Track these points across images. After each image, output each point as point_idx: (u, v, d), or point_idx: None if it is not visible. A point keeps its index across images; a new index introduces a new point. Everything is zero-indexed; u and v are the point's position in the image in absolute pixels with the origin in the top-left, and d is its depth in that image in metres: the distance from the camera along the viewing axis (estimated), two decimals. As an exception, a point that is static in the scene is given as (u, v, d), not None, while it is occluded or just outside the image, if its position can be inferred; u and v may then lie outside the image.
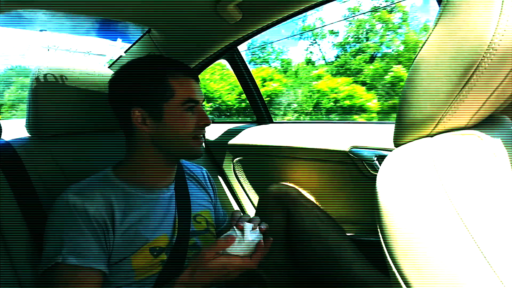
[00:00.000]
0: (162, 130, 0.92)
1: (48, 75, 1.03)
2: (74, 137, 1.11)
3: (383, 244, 0.48)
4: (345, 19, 16.63)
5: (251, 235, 0.83)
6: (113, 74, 0.98)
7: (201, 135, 0.97)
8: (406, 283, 0.44)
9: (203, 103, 0.99)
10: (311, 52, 17.30)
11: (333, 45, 16.93)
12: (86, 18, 1.18)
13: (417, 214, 0.43)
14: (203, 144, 0.99)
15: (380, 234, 0.49)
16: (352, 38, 15.88)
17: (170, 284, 0.83)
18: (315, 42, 17.27)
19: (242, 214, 0.89)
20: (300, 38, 17.71)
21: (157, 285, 0.87)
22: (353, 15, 16.14)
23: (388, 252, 0.46)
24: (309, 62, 17.07)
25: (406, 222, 0.44)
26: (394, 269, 0.45)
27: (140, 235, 0.87)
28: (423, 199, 0.43)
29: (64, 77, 1.06)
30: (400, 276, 0.44)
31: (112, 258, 0.84)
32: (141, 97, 0.91)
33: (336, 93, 12.77)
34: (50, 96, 1.03)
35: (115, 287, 0.85)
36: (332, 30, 16.56)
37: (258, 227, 0.86)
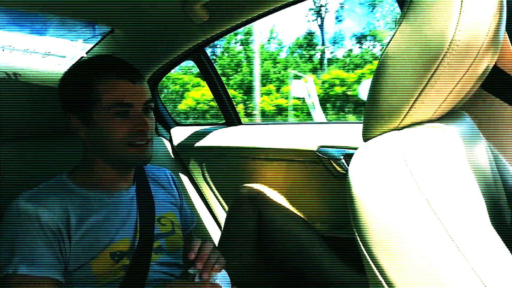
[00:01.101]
0: (94, 137, 0.89)
1: (8, 74, 0.98)
2: (33, 140, 1.06)
3: (357, 238, 0.49)
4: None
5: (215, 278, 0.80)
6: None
7: (140, 142, 0.89)
8: (382, 273, 0.45)
9: (147, 106, 0.91)
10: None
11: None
12: (45, 17, 1.13)
13: (390, 205, 0.44)
14: (145, 151, 0.91)
15: (354, 227, 0.49)
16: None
17: None
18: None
19: (200, 243, 0.83)
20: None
21: None
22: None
23: (363, 246, 0.47)
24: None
25: (380, 213, 0.45)
26: (370, 261, 0.46)
27: (99, 239, 0.84)
28: (395, 190, 0.44)
29: (17, 75, 1.01)
30: (376, 268, 0.45)
31: (70, 265, 0.81)
32: (71, 102, 0.89)
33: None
34: (4, 96, 0.99)
35: None
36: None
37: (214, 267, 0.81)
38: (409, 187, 0.43)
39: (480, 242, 0.41)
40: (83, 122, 0.88)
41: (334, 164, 1.29)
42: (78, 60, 0.94)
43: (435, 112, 0.52)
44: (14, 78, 1.00)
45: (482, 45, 0.44)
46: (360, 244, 0.48)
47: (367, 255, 0.47)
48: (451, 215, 0.41)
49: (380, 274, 0.45)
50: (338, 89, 12.82)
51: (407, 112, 0.50)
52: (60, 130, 0.88)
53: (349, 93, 12.70)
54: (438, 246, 0.40)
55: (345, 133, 1.32)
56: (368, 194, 0.46)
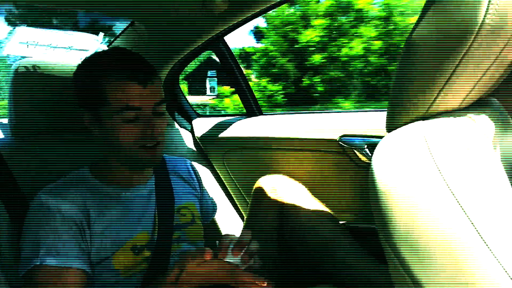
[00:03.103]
0: (105, 137, 0.87)
1: (28, 68, 1.00)
2: (58, 135, 1.08)
3: (380, 228, 0.48)
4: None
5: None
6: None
7: (151, 144, 0.87)
8: (405, 265, 0.44)
9: (157, 108, 0.87)
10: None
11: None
12: (67, 12, 1.15)
13: (413, 197, 0.43)
14: (155, 153, 0.89)
15: (376, 219, 0.48)
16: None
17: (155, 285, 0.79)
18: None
19: (231, 238, 0.81)
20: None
21: (145, 282, 0.86)
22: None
23: (385, 238, 0.46)
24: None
25: (402, 205, 0.44)
26: (392, 254, 0.45)
27: (118, 234, 0.86)
28: (419, 181, 0.43)
29: (37, 68, 1.03)
30: (399, 260, 0.44)
31: (93, 259, 0.83)
32: (84, 99, 0.88)
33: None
34: (30, 91, 1.01)
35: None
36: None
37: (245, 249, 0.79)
38: (434, 179, 0.42)
39: (507, 235, 0.39)
40: (95, 119, 0.87)
41: (358, 154, 1.27)
42: (93, 52, 0.93)
43: (463, 101, 0.49)
44: (33, 71, 1.02)
45: None
46: (383, 236, 0.47)
47: (389, 247, 0.46)
48: (478, 207, 0.40)
49: (402, 266, 0.44)
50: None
51: (433, 101, 0.48)
52: (80, 124, 0.89)
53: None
54: (463, 239, 0.39)
55: (368, 121, 1.29)
56: (391, 185, 0.45)
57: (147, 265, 0.87)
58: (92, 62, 0.89)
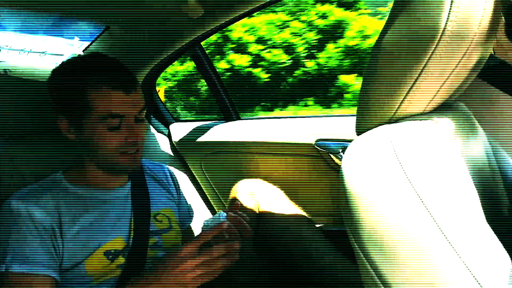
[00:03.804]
0: (85, 143, 0.87)
1: (0, 72, 0.98)
2: (28, 139, 1.06)
3: (349, 229, 0.49)
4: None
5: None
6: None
7: (132, 151, 0.88)
8: (374, 266, 0.45)
9: (139, 115, 0.88)
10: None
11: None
12: (41, 16, 1.13)
13: (380, 199, 0.44)
14: (135, 159, 0.90)
15: (345, 221, 0.50)
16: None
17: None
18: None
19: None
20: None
21: None
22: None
23: (355, 239, 0.47)
24: None
25: (370, 207, 0.45)
26: (361, 254, 0.47)
27: (92, 238, 0.84)
28: (385, 184, 0.44)
29: (7, 71, 1.01)
30: (368, 261, 0.46)
31: (64, 264, 0.82)
32: (62, 106, 0.87)
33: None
34: (2, 95, 0.99)
35: None
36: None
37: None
38: (400, 182, 0.43)
39: (471, 235, 0.41)
40: (73, 126, 0.87)
41: (333, 157, 1.29)
42: (70, 57, 0.91)
43: (428, 104, 0.51)
44: (4, 74, 1.00)
45: (476, 34, 0.44)
46: (352, 236, 0.48)
47: (358, 249, 0.47)
48: (442, 208, 0.41)
49: (371, 267, 0.45)
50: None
51: (399, 104, 0.50)
52: (55, 128, 0.88)
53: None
54: (428, 240, 0.40)
55: (343, 126, 1.32)
56: (359, 188, 0.46)
57: (121, 272, 0.86)
58: (72, 69, 0.88)
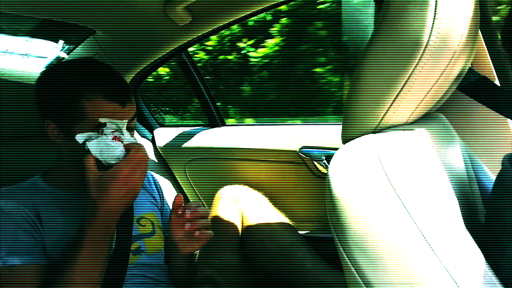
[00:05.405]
0: (73, 149, 0.84)
1: None
2: (9, 142, 1.05)
3: (335, 236, 0.50)
4: None
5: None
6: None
7: None
8: (360, 272, 0.46)
9: (130, 124, 0.88)
10: None
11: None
12: (25, 18, 1.11)
13: (366, 207, 0.45)
14: None
15: (332, 227, 0.50)
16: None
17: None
18: None
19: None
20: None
21: None
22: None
23: (341, 245, 0.48)
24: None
25: (356, 214, 0.46)
26: (347, 260, 0.47)
27: (70, 240, 0.82)
28: (371, 191, 0.46)
29: None
30: (354, 266, 0.47)
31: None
32: (53, 111, 0.85)
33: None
34: None
35: None
36: None
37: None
38: (385, 190, 0.45)
39: (452, 241, 0.42)
40: (62, 132, 0.85)
41: (317, 165, 1.31)
42: (60, 60, 0.89)
43: (411, 114, 0.53)
44: None
45: (458, 46, 0.46)
46: (338, 243, 0.49)
47: (344, 254, 0.48)
48: (425, 215, 0.43)
49: (357, 272, 0.46)
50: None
51: (384, 114, 0.51)
52: (38, 132, 0.86)
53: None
54: (412, 246, 0.42)
55: (327, 134, 1.34)
56: (346, 196, 0.47)
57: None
58: (66, 74, 0.86)
